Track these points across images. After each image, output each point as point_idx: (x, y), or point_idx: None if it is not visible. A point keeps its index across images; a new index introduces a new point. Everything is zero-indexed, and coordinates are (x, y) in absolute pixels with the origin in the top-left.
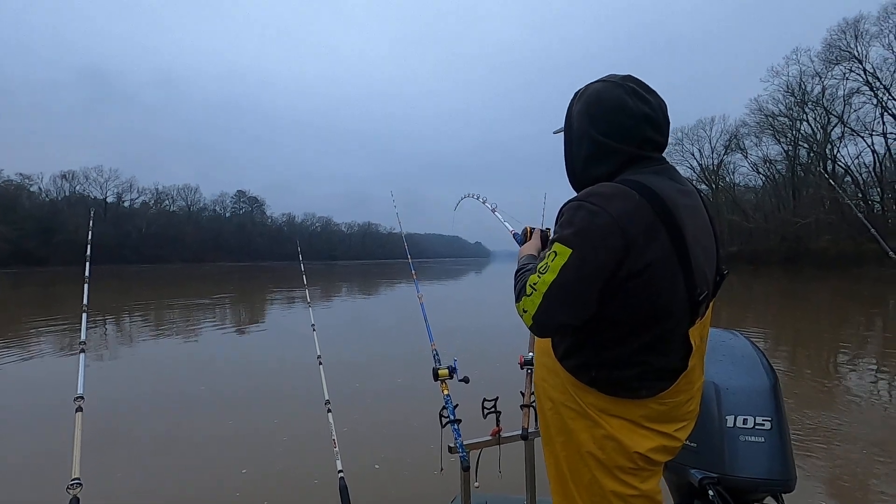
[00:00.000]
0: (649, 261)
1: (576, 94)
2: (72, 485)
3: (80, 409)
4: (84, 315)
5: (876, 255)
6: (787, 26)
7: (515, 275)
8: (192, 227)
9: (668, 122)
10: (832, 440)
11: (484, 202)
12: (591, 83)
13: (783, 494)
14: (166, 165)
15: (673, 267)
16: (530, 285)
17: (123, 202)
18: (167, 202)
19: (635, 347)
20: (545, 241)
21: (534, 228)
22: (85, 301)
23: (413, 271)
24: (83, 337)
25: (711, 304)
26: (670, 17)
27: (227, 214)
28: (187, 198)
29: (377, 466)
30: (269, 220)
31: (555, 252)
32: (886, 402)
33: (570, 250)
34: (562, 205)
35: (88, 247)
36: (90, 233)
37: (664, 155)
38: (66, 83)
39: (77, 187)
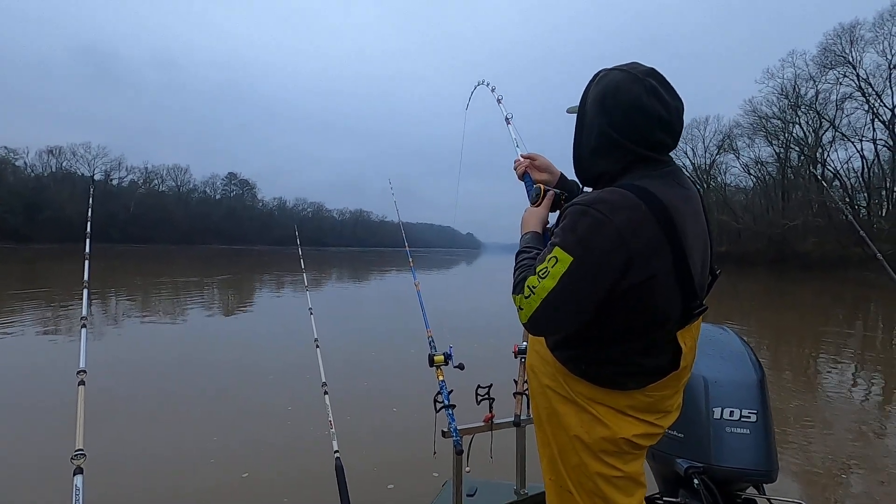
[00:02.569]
0: (650, 275)
1: (595, 76)
2: (76, 455)
3: (82, 382)
4: (86, 291)
5: (860, 258)
6: (785, 28)
7: (516, 257)
8: (182, 208)
9: (682, 125)
10: (809, 432)
11: (499, 101)
12: (613, 70)
13: (765, 484)
14: (157, 145)
15: (672, 281)
16: (529, 287)
17: (111, 180)
18: (156, 182)
19: (627, 350)
20: (556, 206)
21: (548, 189)
22: (86, 277)
23: (410, 259)
24: (84, 312)
25: None
26: (667, 11)
27: (218, 196)
28: (177, 178)
29: (375, 465)
30: (261, 204)
31: (555, 257)
32: (861, 398)
33: (572, 258)
34: (566, 204)
35: (89, 223)
36: (90, 209)
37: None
38: (60, 59)
39: (64, 163)
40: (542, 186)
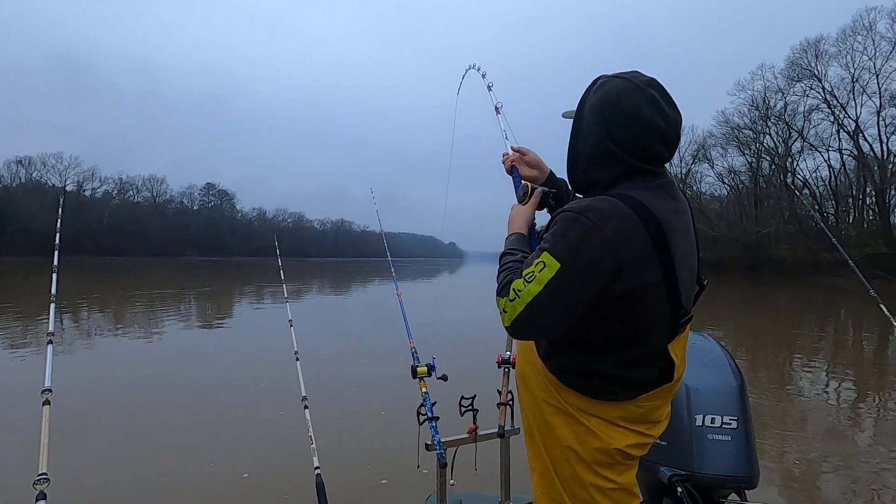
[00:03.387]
0: (638, 286)
1: (594, 81)
2: (39, 479)
3: (47, 402)
4: (52, 306)
5: (829, 264)
6: (755, 42)
7: (501, 259)
8: (158, 219)
9: (679, 138)
10: (787, 435)
11: (489, 87)
12: (614, 77)
13: (746, 490)
14: (133, 156)
15: (660, 293)
16: (514, 290)
17: (84, 191)
18: (131, 193)
19: (618, 362)
20: (544, 205)
21: (535, 187)
22: (53, 291)
23: (392, 269)
24: (51, 328)
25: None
26: (643, 28)
27: (196, 207)
28: (153, 189)
29: (354, 457)
30: (240, 215)
31: (543, 262)
32: (834, 402)
33: (560, 265)
34: (556, 211)
35: (58, 235)
36: (59, 220)
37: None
38: (33, 67)
39: (34, 174)
40: (529, 185)
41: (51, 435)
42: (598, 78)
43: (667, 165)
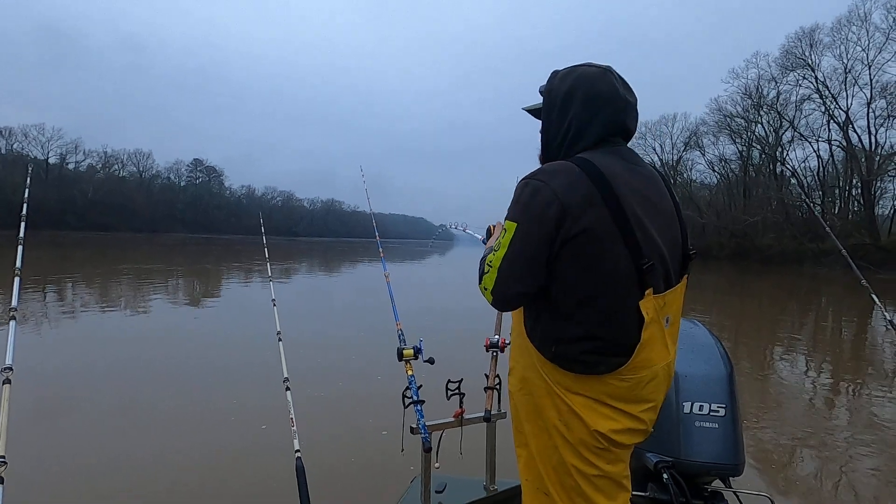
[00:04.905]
0: (585, 226)
1: (558, 73)
2: None
3: (7, 381)
4: (16, 279)
5: (813, 253)
6: (751, 30)
7: (480, 263)
8: (144, 194)
9: (636, 116)
10: (766, 420)
11: (455, 227)
12: (579, 66)
13: (731, 478)
14: (118, 130)
15: (611, 233)
16: (487, 263)
17: (67, 164)
18: (116, 167)
19: (585, 319)
20: None
21: (496, 225)
22: (18, 264)
23: (381, 250)
24: (14, 303)
25: (681, 288)
26: (639, 15)
27: (183, 184)
28: (139, 164)
29: (336, 442)
30: (228, 192)
31: (505, 229)
32: (811, 390)
33: (516, 224)
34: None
35: (24, 206)
36: (27, 191)
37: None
38: (18, 37)
39: (15, 145)
40: (490, 226)
41: (10, 415)
42: (556, 71)
43: (658, 151)
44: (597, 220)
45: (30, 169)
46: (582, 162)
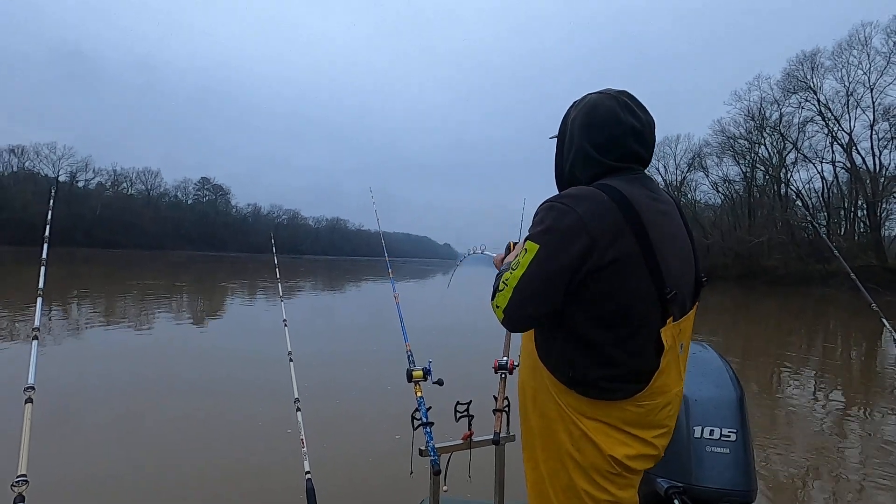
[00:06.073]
0: (614, 257)
1: (574, 103)
2: (17, 481)
3: (30, 399)
4: (39, 300)
5: (821, 274)
6: (752, 53)
7: (495, 278)
8: (151, 212)
9: (654, 139)
10: (777, 446)
11: (474, 251)
12: (588, 95)
13: None
14: (127, 149)
15: (638, 264)
16: (503, 281)
17: (77, 182)
18: (125, 185)
19: (606, 346)
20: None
21: (517, 242)
22: (41, 285)
23: (390, 269)
24: (37, 323)
25: (692, 314)
26: (642, 36)
27: (190, 202)
28: (147, 182)
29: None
30: (234, 210)
31: (525, 249)
32: (821, 412)
33: (538, 246)
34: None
35: (48, 227)
36: (50, 212)
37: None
38: (36, 57)
39: (27, 163)
40: (510, 242)
41: (32, 435)
42: (576, 100)
43: (662, 172)
44: (624, 251)
45: (53, 192)
46: (608, 189)
